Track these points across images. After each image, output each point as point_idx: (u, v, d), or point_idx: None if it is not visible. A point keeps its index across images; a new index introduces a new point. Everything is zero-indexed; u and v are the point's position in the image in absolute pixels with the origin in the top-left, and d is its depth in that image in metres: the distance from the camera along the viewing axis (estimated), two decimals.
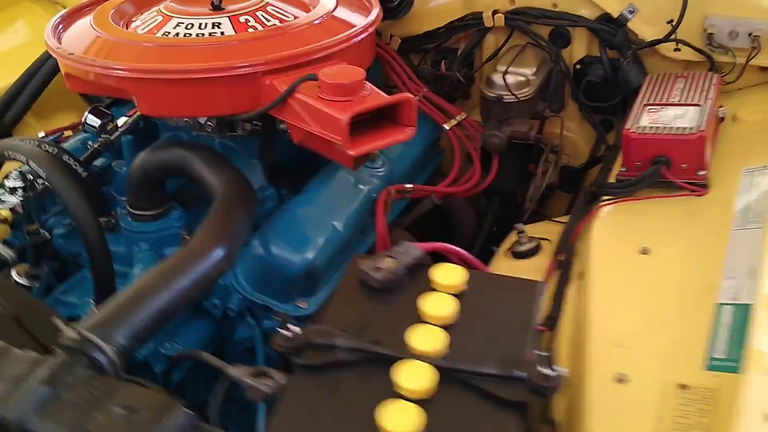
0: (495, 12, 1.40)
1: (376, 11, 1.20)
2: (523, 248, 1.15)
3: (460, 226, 1.48)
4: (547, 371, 0.67)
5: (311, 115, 0.98)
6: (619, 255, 0.98)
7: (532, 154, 1.44)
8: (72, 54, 1.09)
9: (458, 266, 0.80)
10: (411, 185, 1.24)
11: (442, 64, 1.43)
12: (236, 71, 1.02)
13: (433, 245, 0.88)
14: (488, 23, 1.41)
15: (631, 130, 1.09)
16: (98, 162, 1.25)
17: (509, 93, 1.31)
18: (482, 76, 1.44)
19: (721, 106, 1.19)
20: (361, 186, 1.20)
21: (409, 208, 1.34)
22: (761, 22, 1.24)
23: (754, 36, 1.24)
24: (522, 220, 1.28)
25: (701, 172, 1.06)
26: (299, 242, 1.07)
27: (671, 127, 1.08)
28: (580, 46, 1.40)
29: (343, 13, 1.22)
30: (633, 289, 0.93)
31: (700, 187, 1.05)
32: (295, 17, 1.20)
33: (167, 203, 1.13)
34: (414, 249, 0.83)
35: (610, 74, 1.35)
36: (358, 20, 1.18)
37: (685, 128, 1.07)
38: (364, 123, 0.98)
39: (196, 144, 1.11)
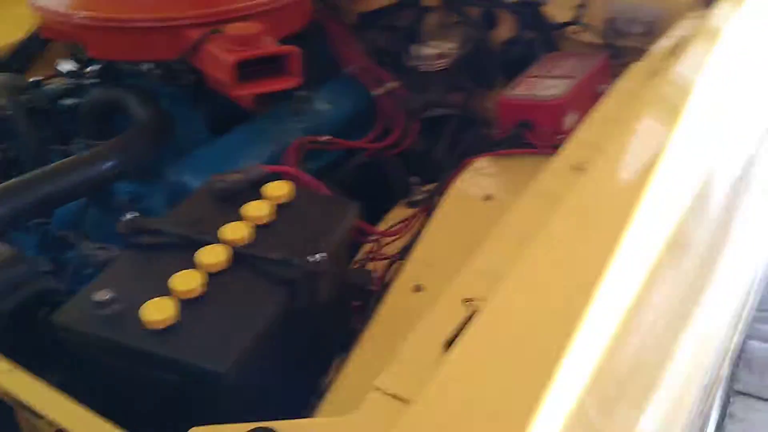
0: None
1: None
2: (415, 198, 1.29)
3: (392, 186, 1.62)
4: (313, 258, 0.82)
5: (213, 61, 1.16)
6: (465, 200, 1.12)
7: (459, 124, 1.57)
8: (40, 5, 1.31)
9: (287, 183, 0.96)
10: (326, 137, 1.40)
11: (380, 38, 1.58)
12: (160, 23, 1.21)
13: (278, 167, 1.05)
14: (425, 2, 1.56)
15: (504, 96, 1.22)
16: (68, 102, 1.46)
17: (425, 63, 1.45)
18: None
19: (603, 84, 1.29)
20: (280, 135, 1.37)
21: None
22: (657, 9, 1.35)
23: (649, 22, 1.35)
24: None
25: (560, 136, 1.18)
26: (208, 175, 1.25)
27: (538, 95, 1.21)
28: (505, 28, 1.53)
29: None
30: (462, 225, 1.06)
31: (554, 149, 1.17)
32: None
33: None
34: (258, 169, 0.99)
35: (527, 54, 1.48)
36: None
37: (548, 96, 1.19)
38: (262, 72, 1.16)
39: (133, 86, 1.31)
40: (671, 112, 0.90)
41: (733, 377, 1.52)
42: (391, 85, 1.53)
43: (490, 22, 1.54)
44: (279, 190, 0.95)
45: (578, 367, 0.63)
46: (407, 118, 1.50)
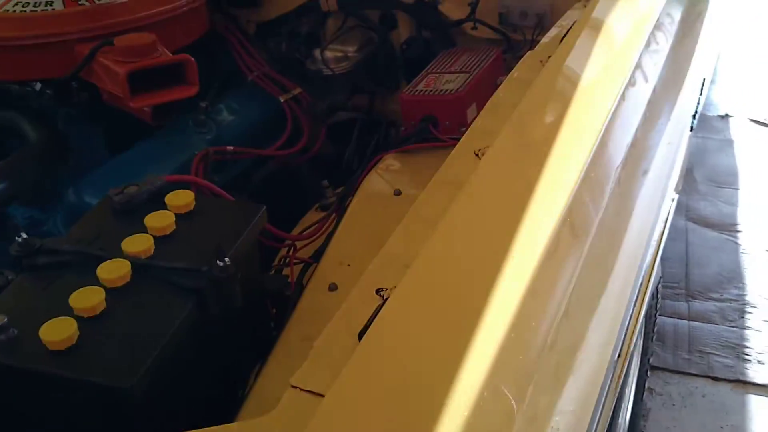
0: None
1: None
2: (327, 201, 1.29)
3: (305, 191, 1.61)
4: (219, 264, 0.80)
5: (105, 75, 1.13)
6: (375, 197, 1.12)
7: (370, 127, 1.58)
8: None
9: (188, 192, 0.94)
10: (231, 147, 1.38)
11: (283, 45, 1.57)
12: (47, 39, 1.17)
13: (179, 177, 1.02)
14: (324, 8, 1.56)
15: (407, 93, 1.24)
16: None
17: (326, 67, 1.45)
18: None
19: (498, 75, 1.33)
20: (184, 147, 1.34)
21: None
22: (546, 2, 1.39)
23: (539, 15, 1.39)
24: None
25: (463, 128, 1.20)
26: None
27: (438, 90, 1.23)
28: (405, 28, 1.55)
29: None
30: (373, 222, 1.07)
31: (458, 141, 1.19)
32: None
33: None
34: (158, 180, 0.96)
35: (427, 52, 1.50)
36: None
37: (448, 90, 1.22)
38: (158, 83, 1.13)
39: (26, 108, 1.26)
40: (560, 96, 0.93)
41: (648, 353, 1.57)
42: (295, 91, 1.53)
43: (390, 23, 1.55)
44: (181, 199, 0.92)
45: (487, 347, 0.64)
46: (314, 123, 1.50)
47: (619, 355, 0.95)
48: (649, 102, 1.10)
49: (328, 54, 1.47)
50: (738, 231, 2.39)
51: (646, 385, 1.87)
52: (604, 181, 0.87)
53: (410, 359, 0.62)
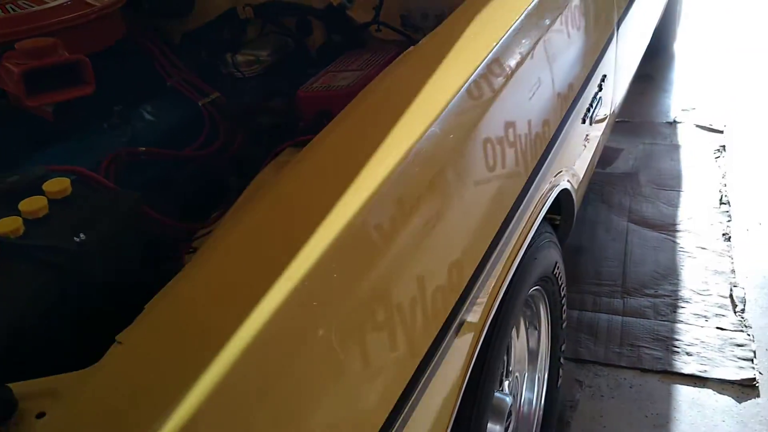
0: (246, 5, 1.62)
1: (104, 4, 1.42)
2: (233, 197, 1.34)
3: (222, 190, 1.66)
4: (77, 240, 0.85)
5: (7, 76, 1.18)
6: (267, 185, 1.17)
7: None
8: None
9: (64, 179, 0.99)
10: (144, 148, 1.43)
11: (203, 52, 1.64)
12: None
13: (63, 167, 1.08)
14: (242, 15, 1.63)
15: (303, 91, 1.30)
16: None
17: (237, 70, 1.51)
18: None
19: None
20: (98, 150, 1.39)
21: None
22: (445, 3, 1.46)
23: (438, 16, 1.46)
24: None
25: None
26: None
27: (333, 86, 1.28)
28: (318, 33, 1.62)
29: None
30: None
31: None
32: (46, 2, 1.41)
33: None
34: (40, 169, 1.02)
35: (337, 55, 1.56)
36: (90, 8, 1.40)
37: (341, 86, 1.27)
38: (60, 84, 1.19)
39: None
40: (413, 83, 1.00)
41: (560, 341, 1.61)
42: (213, 95, 1.59)
43: (305, 29, 1.62)
44: (56, 186, 0.97)
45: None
46: (230, 125, 1.56)
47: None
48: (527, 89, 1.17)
49: (240, 58, 1.53)
50: (677, 231, 2.44)
51: (576, 378, 1.92)
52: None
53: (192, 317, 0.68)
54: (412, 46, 1.21)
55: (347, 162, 0.90)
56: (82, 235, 0.85)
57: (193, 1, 1.72)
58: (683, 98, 3.34)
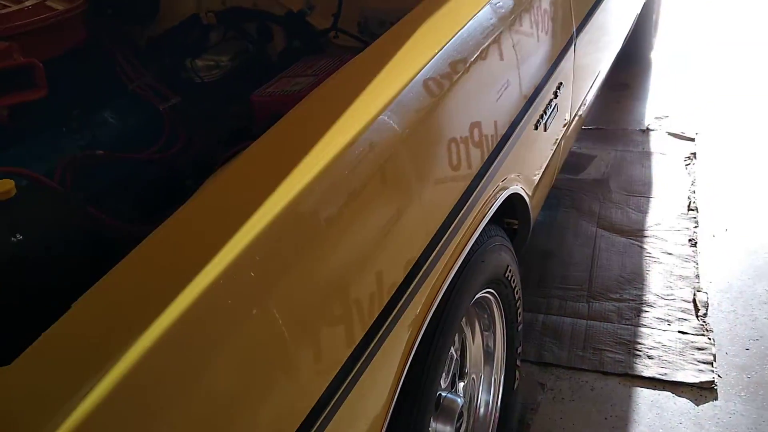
0: (208, 11, 1.64)
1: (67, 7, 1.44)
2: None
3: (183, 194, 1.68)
4: (14, 239, 0.87)
5: None
6: None
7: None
8: None
9: (8, 180, 1.01)
10: (101, 151, 1.45)
11: (167, 57, 1.66)
12: None
13: (8, 168, 1.09)
14: (204, 21, 1.65)
15: (257, 95, 1.32)
16: None
17: (196, 75, 1.53)
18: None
19: None
20: (55, 153, 1.41)
21: None
22: (401, 11, 1.48)
23: (393, 24, 1.48)
24: None
25: None
26: None
27: (285, 91, 1.31)
28: (279, 39, 1.64)
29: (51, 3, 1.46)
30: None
31: None
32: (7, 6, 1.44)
33: None
34: None
35: (299, 60, 1.58)
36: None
37: (294, 90, 1.30)
38: (14, 88, 1.21)
39: None
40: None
41: (516, 343, 1.63)
42: (174, 99, 1.61)
43: (266, 34, 1.64)
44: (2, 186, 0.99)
45: None
46: (190, 129, 1.57)
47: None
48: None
49: (200, 63, 1.55)
50: (644, 236, 2.47)
51: (538, 381, 1.94)
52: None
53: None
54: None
55: (288, 155, 0.92)
56: (18, 236, 0.87)
57: (158, 6, 1.75)
58: (657, 106, 3.38)
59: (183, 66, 1.59)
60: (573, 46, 1.69)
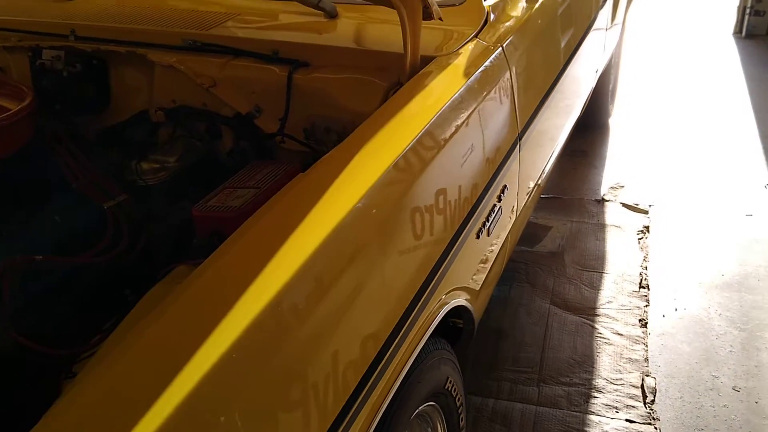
0: (158, 109, 1.65)
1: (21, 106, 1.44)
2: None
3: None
4: None
5: None
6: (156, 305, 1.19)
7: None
8: None
9: None
10: (40, 256, 1.43)
11: (115, 152, 1.66)
12: None
13: None
14: (153, 119, 1.66)
15: (198, 209, 1.32)
16: None
17: (140, 178, 1.54)
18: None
19: None
20: None
21: None
22: (347, 119, 1.51)
23: (339, 133, 1.51)
24: None
25: None
26: None
27: (226, 207, 1.31)
28: (228, 139, 1.65)
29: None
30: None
31: None
32: None
33: None
34: None
35: (245, 162, 1.59)
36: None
37: (234, 207, 1.30)
38: None
39: None
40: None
41: None
42: (120, 198, 1.60)
43: (215, 134, 1.65)
44: None
45: None
46: (134, 230, 1.57)
47: None
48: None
49: (145, 166, 1.55)
50: (596, 315, 2.50)
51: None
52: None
53: None
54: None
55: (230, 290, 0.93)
56: None
57: (108, 99, 1.75)
58: (613, 175, 3.45)
59: (129, 168, 1.59)
60: (518, 147, 1.73)
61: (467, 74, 1.52)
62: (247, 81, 1.58)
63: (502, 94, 1.64)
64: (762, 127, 3.81)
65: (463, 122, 1.43)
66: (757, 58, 4.81)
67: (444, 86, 1.46)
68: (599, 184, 3.39)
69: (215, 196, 1.36)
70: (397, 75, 1.53)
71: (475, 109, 1.49)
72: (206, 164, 1.63)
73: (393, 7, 1.46)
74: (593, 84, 3.07)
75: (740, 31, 5.27)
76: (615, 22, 3.25)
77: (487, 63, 1.59)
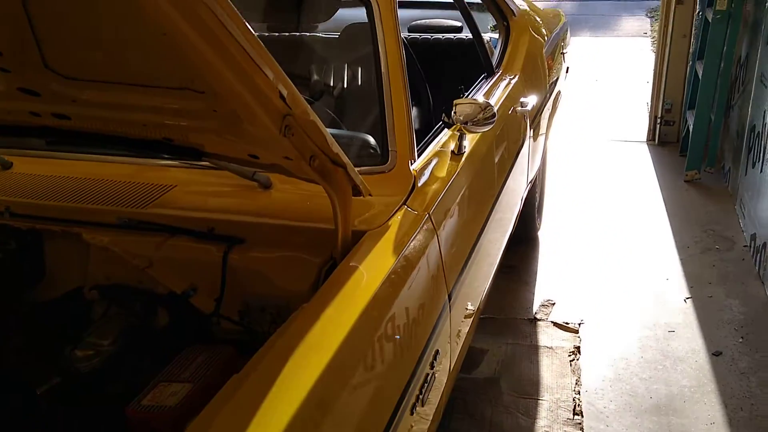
0: (92, 288, 1.66)
1: None
2: None
3: None
4: None
5: None
6: None
7: None
8: None
9: None
10: None
11: (46, 331, 1.64)
12: None
13: None
14: (87, 296, 1.66)
15: (132, 408, 1.32)
16: None
17: (72, 366, 1.53)
18: None
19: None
20: None
21: None
22: (282, 299, 1.55)
23: (272, 314, 1.55)
24: None
25: None
26: None
27: (160, 406, 1.32)
28: (163, 316, 1.67)
29: None
30: None
31: None
32: None
33: None
34: None
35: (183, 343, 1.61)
36: None
37: (167, 407, 1.31)
38: None
39: None
40: None
41: None
42: (53, 381, 1.58)
43: (151, 312, 1.66)
44: None
45: None
46: (67, 416, 1.55)
47: None
48: None
49: (79, 353, 1.55)
50: None
51: None
52: None
53: None
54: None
55: None
56: None
57: (43, 271, 1.75)
58: (544, 290, 3.57)
59: (61, 354, 1.58)
60: (448, 308, 1.80)
61: (397, 250, 1.59)
62: (183, 261, 1.61)
63: (431, 262, 1.72)
64: (678, 239, 4.04)
65: (396, 298, 1.49)
66: (671, 166, 5.13)
67: (376, 266, 1.52)
68: (531, 301, 3.50)
69: (149, 392, 1.37)
70: (330, 251, 1.59)
71: (406, 282, 1.56)
72: (141, 348, 1.63)
73: (324, 189, 1.53)
74: (518, 211, 3.21)
75: (653, 139, 5.63)
76: (538, 148, 3.45)
77: (416, 235, 1.68)
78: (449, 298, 1.80)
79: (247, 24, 1.17)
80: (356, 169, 1.53)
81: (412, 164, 1.91)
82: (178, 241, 1.64)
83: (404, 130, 1.93)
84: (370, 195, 1.64)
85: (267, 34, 2.92)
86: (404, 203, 1.78)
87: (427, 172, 1.94)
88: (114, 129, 1.53)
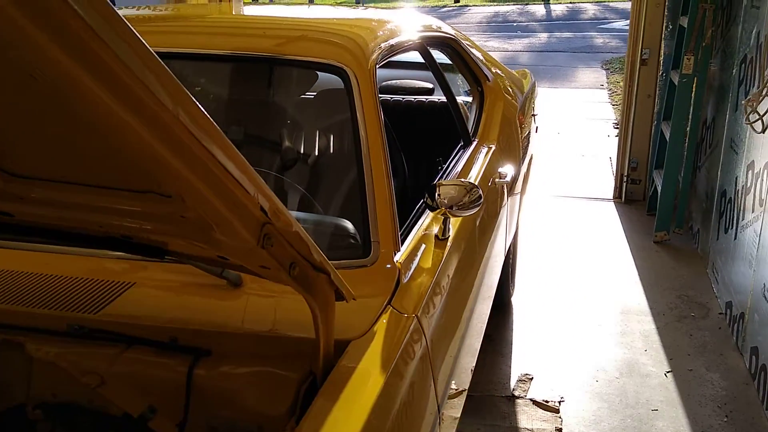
0: (35, 407, 1.45)
1: None
2: None
3: None
4: None
5: None
6: None
7: None
8: None
9: None
10: None
11: None
12: None
13: None
14: (30, 416, 1.45)
15: None
16: None
17: None
18: None
19: None
20: None
21: None
22: (250, 421, 1.37)
23: None
24: None
25: None
26: None
27: None
28: None
29: None
30: None
31: None
32: None
33: None
34: None
35: None
36: None
37: None
38: None
39: None
40: None
41: None
42: None
43: None
44: None
45: None
46: None
47: None
48: None
49: None
50: None
51: None
52: None
53: None
54: None
55: None
56: None
57: None
58: (521, 363, 3.43)
59: None
60: (439, 421, 1.63)
61: (386, 366, 1.43)
62: (141, 377, 1.42)
63: (422, 373, 1.56)
64: (653, 305, 3.96)
65: (387, 421, 1.33)
66: (638, 226, 5.09)
67: (365, 387, 1.36)
68: (508, 376, 3.35)
69: None
70: (309, 364, 1.42)
71: (396, 400, 1.39)
72: None
73: (305, 300, 1.36)
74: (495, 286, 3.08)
75: (620, 197, 5.61)
76: (514, 214, 3.34)
77: (404, 344, 1.52)
78: (438, 410, 1.64)
79: (220, 130, 1.01)
80: (334, 262, 1.37)
81: (395, 255, 1.76)
82: (135, 353, 1.44)
83: (388, 217, 1.79)
84: (354, 299, 1.48)
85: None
86: (389, 303, 1.62)
87: (412, 265, 1.78)
88: (64, 225, 1.35)
